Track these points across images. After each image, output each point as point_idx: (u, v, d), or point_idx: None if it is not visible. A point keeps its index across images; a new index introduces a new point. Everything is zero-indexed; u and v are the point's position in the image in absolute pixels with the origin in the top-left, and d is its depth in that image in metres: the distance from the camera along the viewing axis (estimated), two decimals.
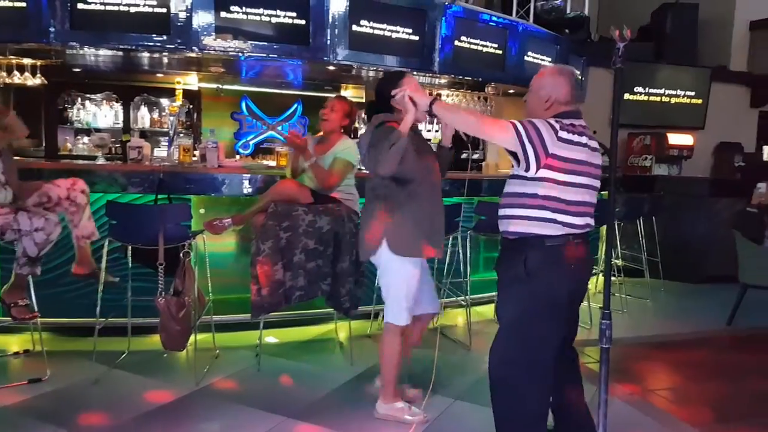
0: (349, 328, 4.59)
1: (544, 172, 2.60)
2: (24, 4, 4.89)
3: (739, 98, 9.86)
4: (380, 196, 3.36)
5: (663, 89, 9.23)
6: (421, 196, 3.33)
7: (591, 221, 2.77)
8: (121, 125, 7.58)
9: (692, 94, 9.34)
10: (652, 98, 9.21)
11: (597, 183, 2.76)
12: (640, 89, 9.13)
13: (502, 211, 2.82)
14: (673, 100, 9.28)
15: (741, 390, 4.24)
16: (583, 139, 2.67)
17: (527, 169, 2.61)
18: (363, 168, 3.51)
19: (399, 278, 3.39)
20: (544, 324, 2.73)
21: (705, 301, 6.75)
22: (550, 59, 7.19)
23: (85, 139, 7.42)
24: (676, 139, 8.83)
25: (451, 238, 4.91)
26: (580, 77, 8.19)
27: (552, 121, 2.64)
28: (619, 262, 6.75)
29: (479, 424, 3.46)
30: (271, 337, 4.78)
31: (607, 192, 2.72)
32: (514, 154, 2.64)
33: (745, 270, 5.69)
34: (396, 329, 3.43)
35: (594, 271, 6.91)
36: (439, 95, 2.97)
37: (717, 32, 9.83)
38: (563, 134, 2.60)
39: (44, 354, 3.97)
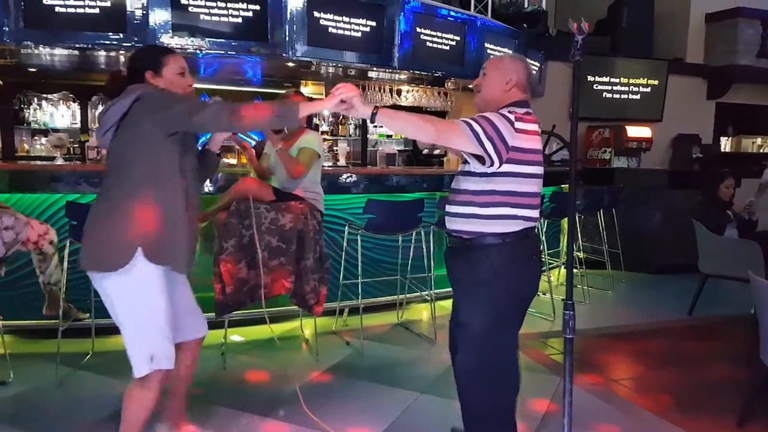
0: (314, 324, 4.60)
1: (506, 167, 2.50)
2: None
3: (696, 90, 10.08)
4: (131, 189, 2.48)
5: (621, 82, 9.38)
6: (179, 195, 2.57)
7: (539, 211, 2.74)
8: (78, 125, 7.46)
9: (649, 86, 9.52)
10: (610, 92, 9.36)
11: (543, 171, 2.69)
12: (598, 83, 9.27)
13: (455, 209, 2.69)
14: (631, 94, 9.44)
15: (702, 378, 4.30)
16: (536, 127, 2.60)
17: (491, 165, 2.49)
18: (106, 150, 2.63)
19: (145, 297, 2.51)
20: (513, 324, 2.71)
21: (665, 291, 6.86)
22: (509, 53, 7.26)
23: (43, 139, 7.28)
24: (634, 131, 8.99)
25: (414, 233, 4.95)
26: (539, 68, 8.31)
27: (505, 112, 2.54)
28: (581, 254, 6.85)
29: (445, 417, 3.48)
30: (237, 336, 4.76)
31: (567, 185, 2.71)
32: (472, 155, 2.52)
33: (705, 260, 5.76)
34: (151, 382, 2.53)
35: (556, 263, 7.03)
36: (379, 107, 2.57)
37: (673, 25, 10.02)
38: (519, 125, 2.50)
39: (7, 357, 3.92)
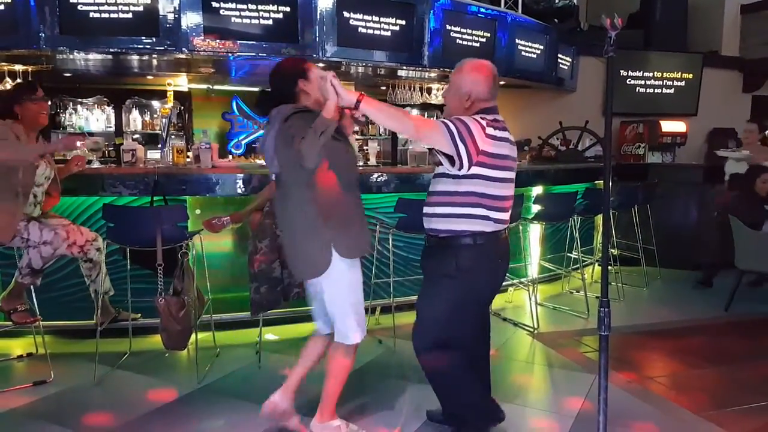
0: None
1: (475, 169, 2.66)
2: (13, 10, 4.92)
3: (731, 83, 9.88)
4: (310, 198, 2.82)
5: (655, 76, 9.25)
6: (352, 186, 2.98)
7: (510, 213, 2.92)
8: (113, 128, 7.59)
9: (684, 80, 9.36)
10: (644, 86, 9.23)
11: (514, 176, 2.86)
12: (631, 77, 9.15)
13: (431, 209, 2.87)
14: (665, 88, 9.30)
15: (740, 375, 4.23)
16: (506, 134, 2.75)
17: (461, 168, 2.64)
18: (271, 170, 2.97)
19: (348, 285, 2.93)
20: (468, 314, 2.91)
21: (701, 288, 6.71)
22: (540, 49, 7.20)
23: (79, 143, 7.40)
24: (669, 126, 8.84)
25: None
26: (570, 64, 8.24)
27: (478, 118, 2.68)
28: (615, 251, 6.78)
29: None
30: (271, 334, 4.80)
31: (601, 181, 2.75)
32: (444, 154, 2.66)
33: (742, 256, 5.67)
34: (352, 348, 3.02)
35: (589, 260, 6.96)
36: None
37: (707, 17, 9.85)
38: (490, 131, 2.66)
39: (48, 357, 4.00)
